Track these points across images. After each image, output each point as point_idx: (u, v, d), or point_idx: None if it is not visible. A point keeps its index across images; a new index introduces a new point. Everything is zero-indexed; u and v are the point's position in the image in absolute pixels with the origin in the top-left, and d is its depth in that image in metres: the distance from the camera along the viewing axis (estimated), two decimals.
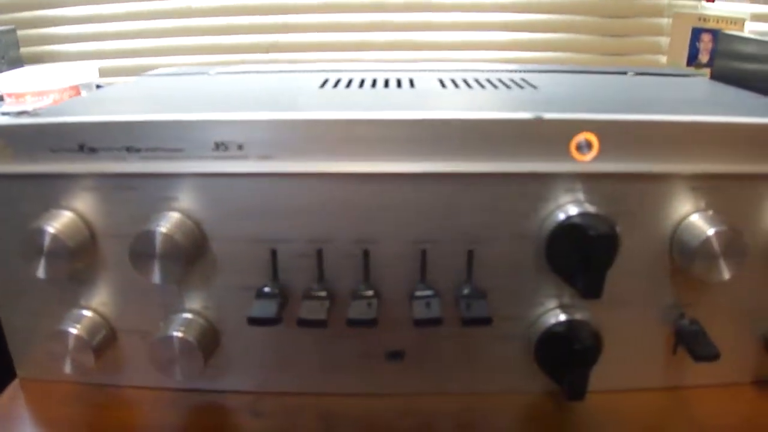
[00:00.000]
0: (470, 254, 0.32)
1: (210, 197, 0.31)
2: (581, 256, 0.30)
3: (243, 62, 0.82)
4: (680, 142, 0.31)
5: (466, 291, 0.31)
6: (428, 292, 0.31)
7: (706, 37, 0.71)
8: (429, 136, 0.30)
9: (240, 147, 0.30)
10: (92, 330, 0.33)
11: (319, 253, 0.32)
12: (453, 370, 0.34)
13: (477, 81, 0.43)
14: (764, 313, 0.35)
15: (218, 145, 0.30)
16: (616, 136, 0.31)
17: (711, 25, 0.70)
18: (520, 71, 0.48)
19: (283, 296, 0.32)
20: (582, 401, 0.32)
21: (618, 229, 0.30)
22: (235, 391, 0.34)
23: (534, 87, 0.41)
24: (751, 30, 0.73)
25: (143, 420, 0.34)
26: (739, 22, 0.70)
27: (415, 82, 0.43)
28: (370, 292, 0.31)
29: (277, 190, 0.31)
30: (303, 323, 0.30)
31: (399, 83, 0.42)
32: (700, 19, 0.71)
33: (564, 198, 0.31)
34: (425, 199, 0.31)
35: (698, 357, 0.32)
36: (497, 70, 0.49)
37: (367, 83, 0.42)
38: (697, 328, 0.33)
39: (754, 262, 0.33)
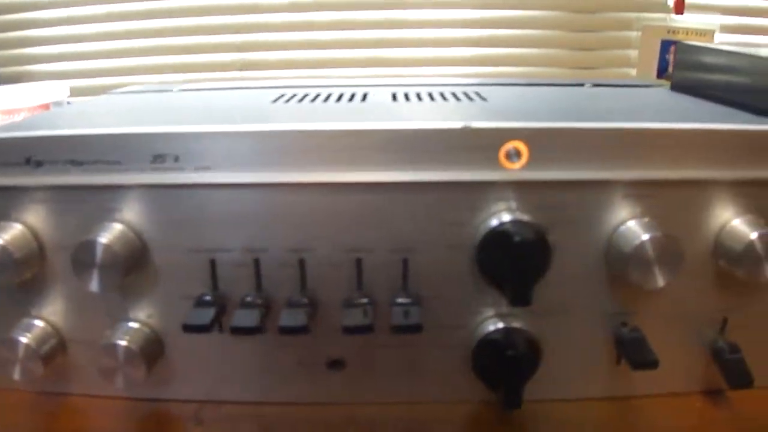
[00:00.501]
0: (405, 263, 0.32)
1: (150, 208, 0.32)
2: (509, 263, 0.30)
3: (214, 80, 0.84)
4: (612, 150, 0.31)
5: (398, 299, 0.32)
6: (363, 300, 0.32)
7: (675, 49, 0.71)
8: (360, 146, 0.31)
9: (176, 159, 0.31)
10: (42, 339, 0.34)
11: (257, 262, 0.32)
12: (395, 379, 0.34)
13: (429, 94, 0.43)
14: (708, 322, 0.34)
15: (156, 158, 0.31)
16: (545, 145, 0.31)
17: (680, 37, 0.70)
18: (476, 85, 0.48)
19: (220, 305, 0.32)
20: (519, 410, 0.32)
21: (548, 236, 0.31)
22: (179, 400, 0.35)
23: (484, 99, 0.42)
24: (720, 41, 0.73)
25: (90, 428, 0.34)
26: (709, 34, 0.70)
27: (368, 96, 0.43)
28: (305, 300, 0.32)
29: (214, 201, 0.32)
30: (236, 331, 0.30)
31: (352, 97, 0.43)
32: (669, 32, 0.71)
33: (496, 206, 0.31)
34: (359, 208, 0.32)
35: (636, 365, 0.32)
36: (454, 84, 0.49)
37: (321, 98, 0.43)
38: (637, 335, 0.33)
39: (695, 270, 0.33)
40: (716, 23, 0.73)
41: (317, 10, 0.80)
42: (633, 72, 0.83)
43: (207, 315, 0.31)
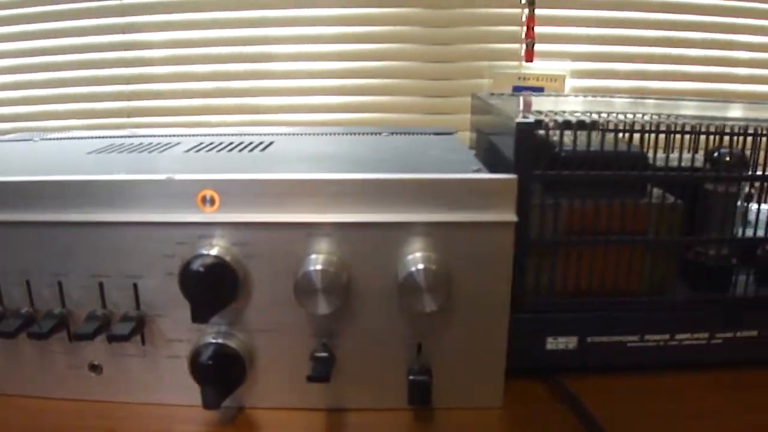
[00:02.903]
0: (135, 286, 0.40)
1: None
2: (193, 288, 0.37)
3: (103, 126, 0.95)
4: (305, 196, 0.38)
5: (123, 315, 0.39)
6: (100, 313, 0.40)
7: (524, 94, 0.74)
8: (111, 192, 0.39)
9: None
10: None
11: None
12: (138, 382, 0.42)
13: (221, 144, 0.51)
14: (407, 347, 0.40)
15: None
16: (233, 192, 0.38)
17: (531, 83, 0.73)
18: (283, 135, 0.56)
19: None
20: (216, 409, 0.38)
21: (233, 266, 0.37)
22: None
23: (270, 144, 0.49)
24: (571, 86, 0.76)
25: None
26: (560, 79, 0.73)
27: (168, 148, 0.52)
28: (61, 313, 0.40)
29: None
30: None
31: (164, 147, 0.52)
32: (520, 78, 0.74)
33: (199, 242, 0.38)
34: (98, 242, 0.39)
35: (309, 378, 0.37)
36: (249, 134, 0.57)
37: (135, 149, 0.52)
38: (326, 355, 0.39)
39: (392, 300, 0.39)
40: (567, 68, 0.76)
41: (197, 63, 0.91)
42: None
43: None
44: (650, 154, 0.43)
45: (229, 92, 0.91)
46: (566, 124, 0.40)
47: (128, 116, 0.93)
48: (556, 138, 0.42)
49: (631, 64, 0.89)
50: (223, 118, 0.91)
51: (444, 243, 0.38)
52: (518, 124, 0.39)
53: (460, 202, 0.38)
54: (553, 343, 0.43)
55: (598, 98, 0.65)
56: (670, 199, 0.43)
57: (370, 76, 0.90)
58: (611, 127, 0.42)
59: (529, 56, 0.80)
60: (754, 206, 0.48)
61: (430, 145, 0.50)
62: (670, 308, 0.44)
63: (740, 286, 0.46)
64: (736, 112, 0.58)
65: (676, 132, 0.43)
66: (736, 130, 0.43)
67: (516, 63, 0.82)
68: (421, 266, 0.37)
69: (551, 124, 0.40)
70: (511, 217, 0.38)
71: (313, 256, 0.38)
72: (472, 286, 0.39)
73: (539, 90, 0.75)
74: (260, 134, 0.55)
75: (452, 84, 0.90)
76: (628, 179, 0.41)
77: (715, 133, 0.44)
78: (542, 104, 0.52)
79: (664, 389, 0.44)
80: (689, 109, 0.58)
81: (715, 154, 0.45)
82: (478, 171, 0.40)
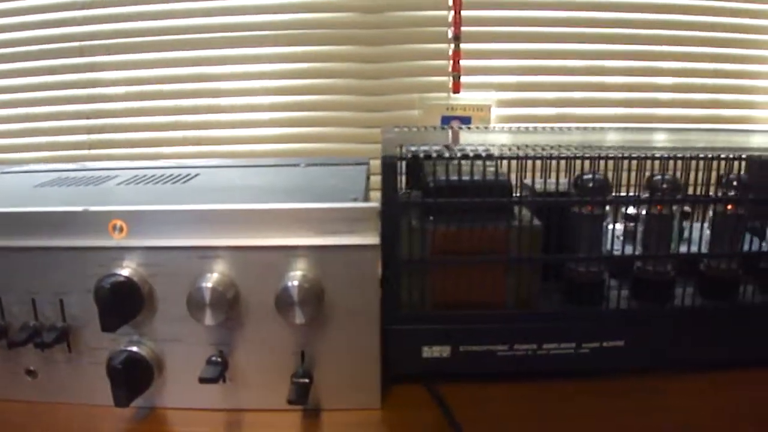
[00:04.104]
0: (61, 302, 0.46)
1: None
2: (102, 302, 0.43)
3: (63, 159, 1.05)
4: (195, 224, 0.44)
5: (50, 326, 0.46)
6: (32, 324, 0.46)
7: (455, 124, 0.80)
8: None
9: None
10: None
11: None
12: (67, 385, 0.48)
13: (153, 176, 0.58)
14: (293, 354, 0.46)
15: None
16: (140, 221, 0.44)
17: (459, 113, 0.79)
18: (203, 167, 0.62)
19: None
20: (126, 407, 0.44)
21: (138, 285, 0.44)
22: None
23: (195, 177, 0.56)
24: (496, 115, 0.81)
25: None
26: (485, 109, 0.78)
27: (105, 181, 0.59)
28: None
29: None
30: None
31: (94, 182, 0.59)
32: (448, 109, 0.80)
33: (111, 264, 0.45)
34: (30, 262, 0.46)
35: (200, 380, 0.43)
36: (180, 167, 0.63)
37: (75, 182, 0.59)
38: (219, 360, 0.45)
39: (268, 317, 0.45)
40: (493, 98, 0.81)
41: (152, 99, 1.00)
42: None
43: None
44: (529, 180, 0.48)
45: (182, 125, 1.00)
46: (427, 157, 0.46)
47: (89, 148, 1.02)
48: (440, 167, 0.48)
49: (554, 92, 0.94)
50: (176, 149, 0.99)
51: (319, 263, 0.44)
52: (383, 158, 0.45)
53: (331, 227, 0.44)
54: (428, 352, 0.48)
55: (522, 130, 0.71)
56: (535, 221, 0.48)
57: (309, 109, 0.98)
58: (473, 156, 0.47)
59: (456, 88, 0.86)
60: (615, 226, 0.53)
61: (335, 176, 0.56)
62: (536, 320, 0.49)
63: (613, 299, 0.50)
64: (633, 135, 0.62)
65: (532, 158, 0.48)
66: (603, 155, 0.48)
67: (444, 94, 0.88)
68: (294, 283, 0.43)
69: (409, 157, 0.46)
70: (375, 240, 0.44)
71: (207, 275, 0.44)
72: (346, 301, 0.45)
73: (467, 119, 0.81)
74: (190, 167, 0.62)
75: (387, 115, 0.97)
76: (487, 205, 0.47)
77: (574, 158, 0.48)
78: (443, 138, 0.57)
79: (532, 395, 0.48)
80: (613, 135, 0.64)
81: (579, 180, 0.50)
82: (355, 200, 0.46)
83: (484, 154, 0.48)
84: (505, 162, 0.50)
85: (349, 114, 0.96)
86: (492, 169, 0.50)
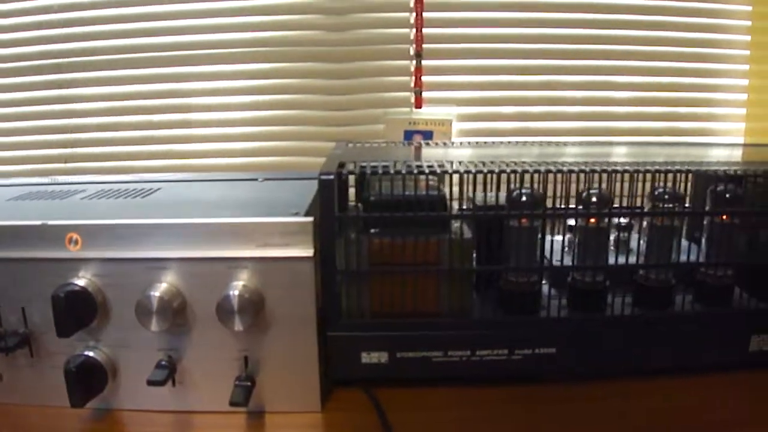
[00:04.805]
0: (23, 310, 0.50)
1: None
2: (58, 310, 0.46)
3: (40, 172, 1.09)
4: (147, 236, 0.48)
5: (12, 332, 0.49)
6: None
7: (417, 137, 0.82)
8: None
9: None
10: None
11: None
12: (31, 387, 0.51)
13: (118, 191, 0.62)
14: (236, 359, 0.49)
15: None
16: (95, 235, 0.48)
17: (420, 127, 0.82)
18: (165, 182, 0.66)
19: None
20: (81, 408, 0.48)
21: (92, 294, 0.47)
22: None
23: (156, 191, 0.59)
24: (457, 129, 0.84)
25: None
26: (447, 123, 0.81)
27: (71, 195, 0.63)
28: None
29: None
30: None
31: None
32: (410, 123, 0.82)
33: (68, 274, 0.48)
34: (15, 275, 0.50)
35: (148, 382, 0.46)
36: (144, 181, 0.67)
37: (44, 197, 0.63)
38: (168, 363, 0.48)
39: None
40: (454, 113, 0.84)
41: (125, 115, 1.04)
42: None
43: None
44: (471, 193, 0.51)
45: (155, 140, 1.04)
46: (362, 175, 0.49)
47: (65, 162, 1.06)
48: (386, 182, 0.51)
49: (513, 106, 0.97)
50: (149, 163, 1.03)
51: (260, 274, 0.47)
52: (320, 174, 0.48)
53: (271, 240, 0.47)
54: (367, 358, 0.51)
55: (485, 145, 0.74)
56: (467, 234, 0.51)
57: (277, 123, 1.02)
58: (410, 173, 0.50)
59: (419, 103, 0.90)
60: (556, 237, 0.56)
61: (290, 190, 0.59)
62: (469, 327, 0.51)
63: (552, 308, 0.53)
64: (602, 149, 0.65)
65: (473, 173, 0.50)
66: (540, 169, 0.51)
67: (407, 109, 0.91)
68: (234, 293, 0.46)
69: (346, 175, 0.49)
70: (309, 252, 0.47)
71: (156, 285, 0.47)
72: (284, 310, 0.48)
73: (429, 134, 0.84)
74: (153, 181, 0.65)
75: (353, 129, 1.01)
76: (419, 219, 0.49)
77: (512, 172, 0.51)
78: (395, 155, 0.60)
79: (465, 400, 0.51)
80: (574, 148, 0.67)
81: (514, 194, 0.53)
82: (296, 214, 0.49)
83: (427, 171, 0.51)
84: (456, 176, 0.52)
85: (315, 128, 0.99)
86: (433, 183, 0.53)
